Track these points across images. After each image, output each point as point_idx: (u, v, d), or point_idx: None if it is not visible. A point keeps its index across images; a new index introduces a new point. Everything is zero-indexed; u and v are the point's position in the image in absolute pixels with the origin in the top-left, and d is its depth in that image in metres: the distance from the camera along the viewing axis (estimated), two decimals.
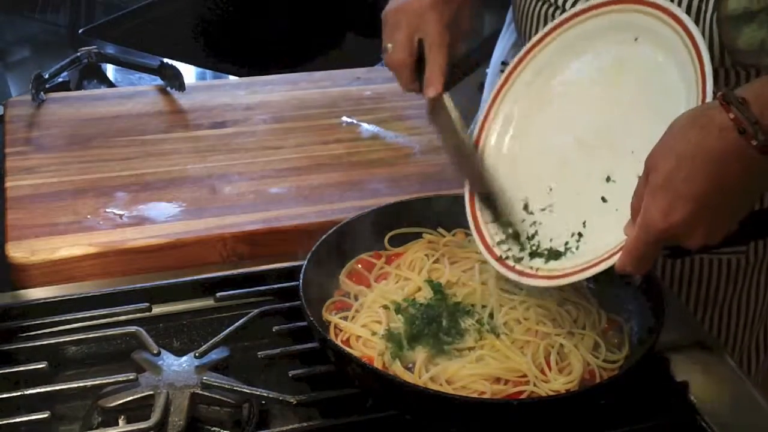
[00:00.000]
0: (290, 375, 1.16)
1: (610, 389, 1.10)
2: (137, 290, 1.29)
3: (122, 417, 1.10)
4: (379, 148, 1.67)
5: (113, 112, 1.75)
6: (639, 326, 1.20)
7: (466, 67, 1.33)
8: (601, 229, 1.15)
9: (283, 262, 1.34)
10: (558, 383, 1.11)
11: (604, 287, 1.23)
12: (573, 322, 1.19)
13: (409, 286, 1.24)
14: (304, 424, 1.11)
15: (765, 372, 1.56)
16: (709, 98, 1.05)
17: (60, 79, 1.88)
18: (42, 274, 1.36)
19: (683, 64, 1.11)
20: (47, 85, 1.81)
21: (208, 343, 1.18)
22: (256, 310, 1.25)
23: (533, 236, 1.22)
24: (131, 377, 1.13)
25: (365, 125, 1.74)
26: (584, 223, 1.19)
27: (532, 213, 1.24)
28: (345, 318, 1.21)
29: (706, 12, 1.21)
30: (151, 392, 1.11)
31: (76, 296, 1.28)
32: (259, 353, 1.19)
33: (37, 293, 1.32)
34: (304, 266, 1.21)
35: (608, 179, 1.18)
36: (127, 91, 1.86)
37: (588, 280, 1.16)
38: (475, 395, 1.09)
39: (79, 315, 1.25)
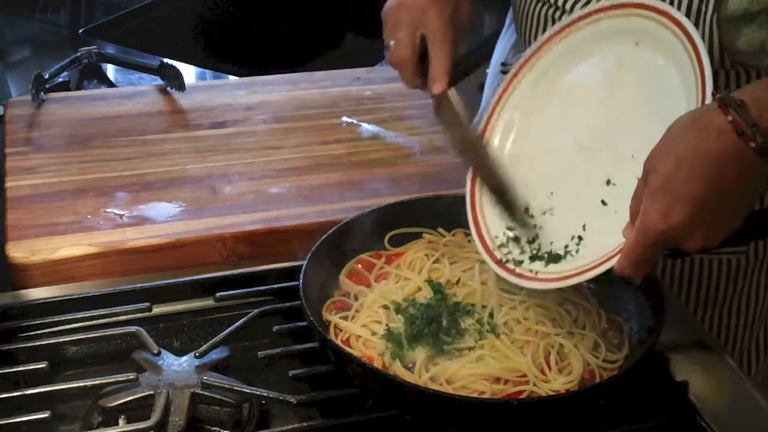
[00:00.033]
0: (290, 375, 1.16)
1: (609, 389, 1.10)
2: (137, 290, 1.29)
3: (122, 417, 1.10)
4: (379, 148, 1.67)
5: (113, 112, 1.75)
6: (639, 326, 1.20)
7: (466, 67, 1.33)
8: (601, 232, 1.15)
9: (283, 262, 1.34)
10: (558, 383, 1.11)
11: (604, 287, 1.23)
12: (573, 322, 1.19)
13: (409, 286, 1.24)
14: (304, 424, 1.11)
15: (765, 372, 1.56)
16: (708, 101, 1.06)
17: (60, 79, 1.88)
18: (42, 274, 1.36)
19: (683, 67, 1.11)
20: (47, 85, 1.81)
21: (209, 343, 1.18)
22: (256, 310, 1.25)
23: (534, 240, 1.22)
24: (131, 377, 1.13)
25: (365, 125, 1.74)
26: (584, 227, 1.19)
27: (533, 216, 1.24)
28: (345, 318, 1.21)
29: (706, 13, 1.21)
30: (152, 392, 1.11)
31: (76, 296, 1.28)
32: (259, 353, 1.19)
33: (37, 293, 1.32)
34: (304, 266, 1.21)
35: (608, 182, 1.18)
36: (128, 91, 1.86)
37: (588, 280, 1.16)
38: (475, 395, 1.09)
39: (80, 315, 1.25)
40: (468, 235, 1.29)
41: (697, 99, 1.07)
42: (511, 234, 1.24)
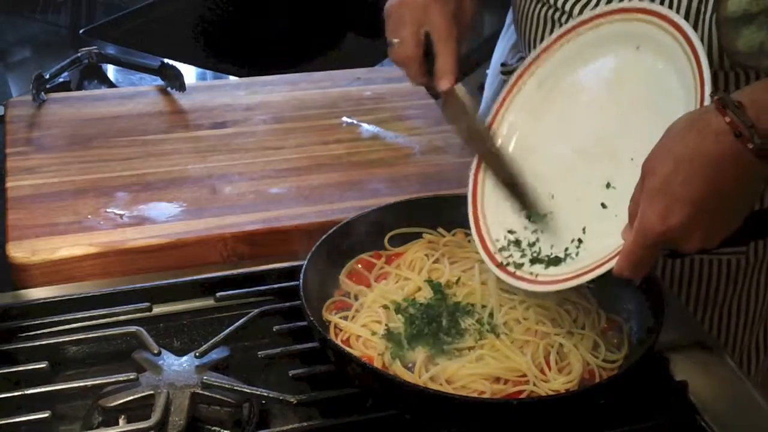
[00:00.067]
0: (290, 375, 1.16)
1: (609, 389, 1.10)
2: (137, 290, 1.29)
3: (123, 417, 1.10)
4: (379, 148, 1.67)
5: (114, 113, 1.75)
6: (638, 326, 1.20)
7: (466, 67, 1.33)
8: (601, 235, 1.15)
9: (283, 262, 1.34)
10: (557, 383, 1.11)
11: (603, 287, 1.23)
12: (572, 321, 1.19)
13: (409, 286, 1.24)
14: (304, 424, 1.11)
15: (765, 372, 1.56)
16: (707, 103, 1.06)
17: (61, 80, 1.88)
18: (42, 274, 1.36)
19: (682, 70, 1.11)
20: (48, 86, 1.81)
21: (209, 343, 1.19)
22: (256, 310, 1.25)
23: (534, 243, 1.22)
24: (132, 377, 1.13)
25: (365, 125, 1.74)
26: (584, 229, 1.19)
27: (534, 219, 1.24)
28: (345, 318, 1.21)
29: (705, 14, 1.21)
30: (152, 392, 1.11)
31: (76, 296, 1.28)
32: (259, 353, 1.19)
33: (37, 293, 1.32)
34: (304, 266, 1.21)
35: (608, 185, 1.18)
36: (128, 91, 1.86)
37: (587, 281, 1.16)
38: (474, 395, 1.09)
39: (80, 315, 1.25)
40: (468, 235, 1.30)
41: (696, 101, 1.07)
42: (512, 237, 1.24)
